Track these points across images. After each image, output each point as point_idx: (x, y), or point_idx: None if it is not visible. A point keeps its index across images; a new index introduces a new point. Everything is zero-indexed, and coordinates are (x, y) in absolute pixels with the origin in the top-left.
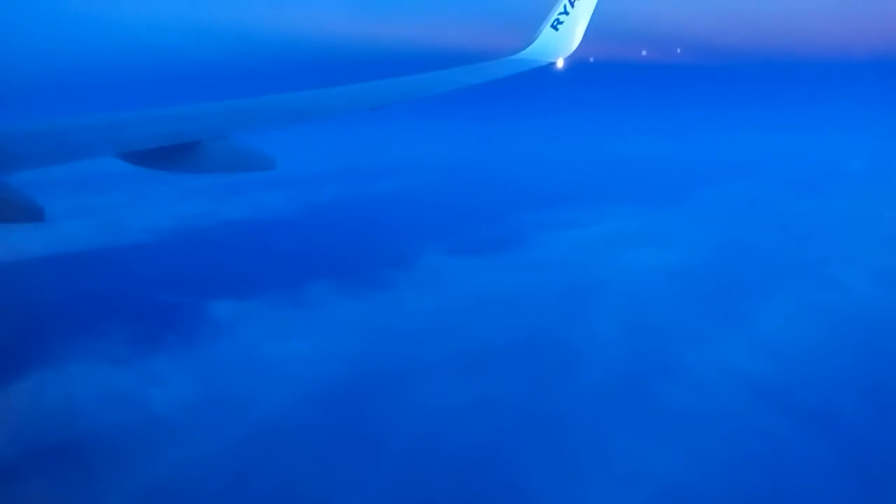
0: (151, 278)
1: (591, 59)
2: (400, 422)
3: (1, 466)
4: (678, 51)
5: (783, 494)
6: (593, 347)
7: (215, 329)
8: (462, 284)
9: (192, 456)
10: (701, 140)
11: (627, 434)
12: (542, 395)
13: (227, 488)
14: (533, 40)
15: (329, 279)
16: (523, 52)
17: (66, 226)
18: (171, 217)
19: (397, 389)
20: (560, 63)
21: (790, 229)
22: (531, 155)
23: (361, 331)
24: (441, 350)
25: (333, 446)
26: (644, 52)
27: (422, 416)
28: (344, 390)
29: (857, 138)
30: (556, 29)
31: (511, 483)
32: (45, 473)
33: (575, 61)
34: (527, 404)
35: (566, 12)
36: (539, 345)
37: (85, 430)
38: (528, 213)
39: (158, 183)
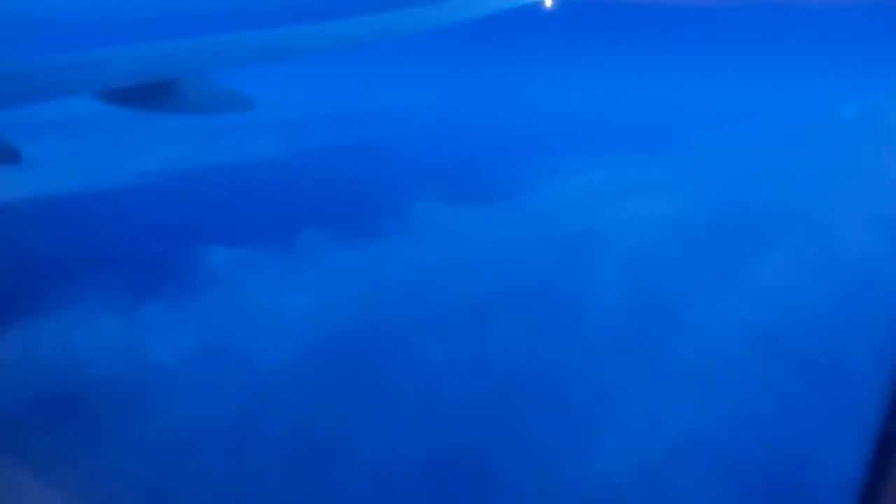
0: (140, 224)
1: None
2: (405, 374)
3: (1, 418)
4: None
5: (793, 444)
6: (595, 299)
7: (211, 277)
8: (457, 233)
9: (197, 406)
10: (695, 84)
11: (634, 387)
12: (546, 346)
13: (235, 438)
14: None
15: (320, 227)
16: None
17: (49, 168)
18: (153, 160)
19: (401, 341)
20: (548, 1)
21: (789, 177)
22: (523, 99)
23: (358, 281)
24: (439, 302)
25: (339, 397)
26: None
27: (427, 368)
28: (347, 341)
29: (856, 84)
30: None
31: (519, 436)
32: (48, 424)
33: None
34: (531, 356)
35: None
36: (538, 296)
37: (87, 380)
38: (523, 160)
39: (138, 125)
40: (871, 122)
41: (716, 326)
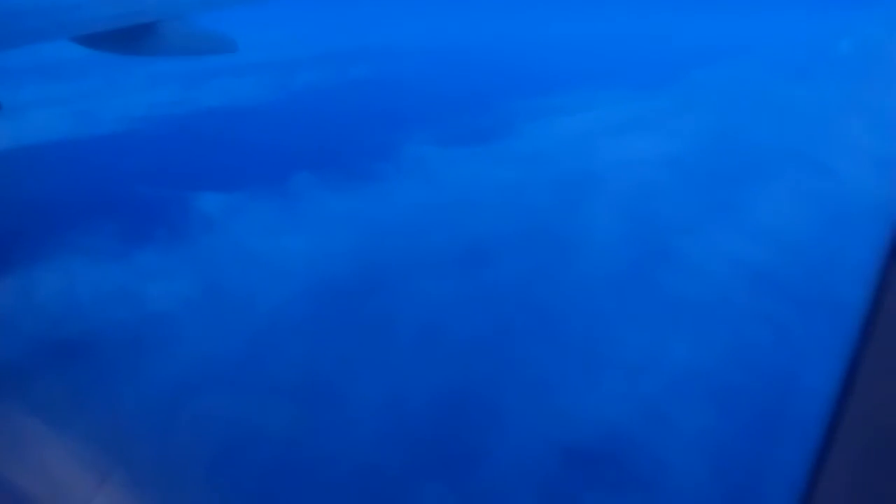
0: (131, 170)
1: None
2: (403, 313)
3: (3, 367)
4: None
5: (791, 378)
6: (590, 239)
7: (205, 222)
8: (451, 175)
9: (199, 352)
10: (688, 19)
11: (631, 323)
12: (542, 285)
13: (238, 382)
14: None
15: (312, 170)
16: None
17: (33, 116)
18: (139, 105)
19: (397, 282)
20: None
21: (783, 114)
22: (512, 36)
23: (353, 224)
24: (436, 243)
25: (339, 338)
26: None
27: (425, 308)
28: (344, 284)
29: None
30: None
31: (518, 370)
32: (51, 371)
33: None
34: (529, 295)
35: None
36: (535, 236)
37: (87, 327)
38: (514, 99)
39: (121, 69)
40: (869, 58)
41: (709, 262)
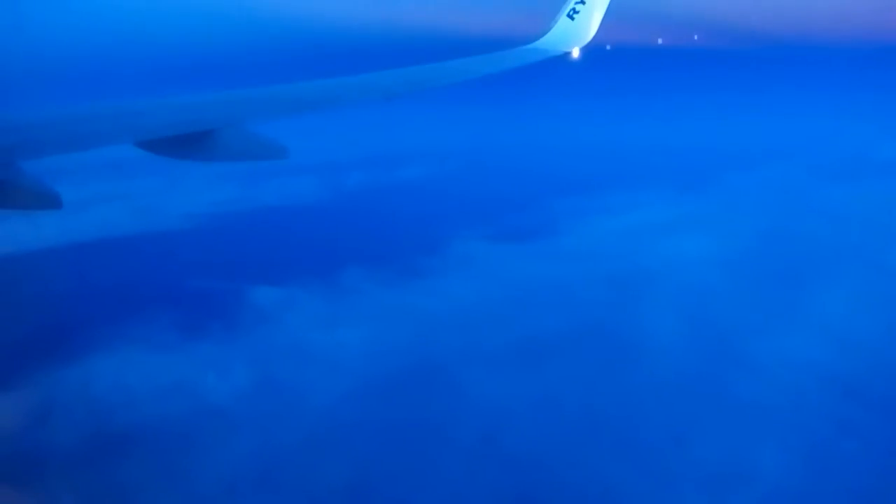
0: (188, 264)
1: (608, 47)
2: (459, 416)
3: (60, 455)
4: (695, 37)
5: (873, 486)
6: (651, 339)
7: (260, 316)
8: (501, 272)
9: (255, 449)
10: (722, 126)
11: (706, 430)
12: (605, 389)
13: (293, 483)
14: (549, 30)
15: (364, 266)
16: (539, 41)
17: (96, 211)
18: (199, 203)
19: (453, 381)
20: (576, 53)
21: (826, 216)
22: (552, 142)
23: (406, 319)
24: (493, 340)
25: (394, 441)
26: (660, 40)
27: (482, 411)
28: (399, 382)
29: (881, 124)
30: (573, 18)
31: (584, 485)
32: (107, 464)
33: (591, 49)
34: (591, 399)
35: (582, 2)
36: (594, 336)
37: (143, 420)
38: (557, 199)
39: (181, 170)
40: None
41: (779, 365)
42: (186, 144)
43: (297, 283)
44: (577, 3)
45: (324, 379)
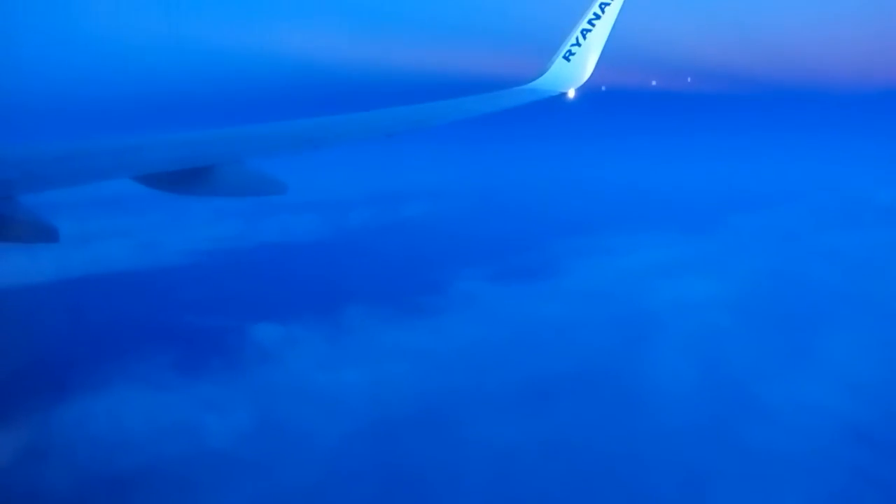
0: (188, 301)
1: (603, 88)
2: (468, 459)
3: (57, 498)
4: (688, 79)
5: None
6: (660, 382)
7: (261, 355)
8: (504, 312)
9: (257, 493)
10: (718, 169)
11: (718, 478)
12: (613, 434)
13: None
14: (545, 70)
15: (366, 304)
16: (535, 81)
17: (97, 246)
18: (200, 239)
19: (457, 424)
20: (571, 93)
21: (830, 259)
22: (550, 181)
23: (409, 359)
24: (497, 382)
25: (398, 484)
26: (654, 83)
27: (487, 455)
28: (403, 424)
29: (880, 169)
30: (568, 60)
31: None
32: None
33: (586, 90)
34: (599, 445)
35: (578, 44)
36: (601, 379)
37: (141, 462)
38: (558, 239)
39: (179, 207)
40: None
41: (793, 411)
42: (186, 180)
43: (298, 321)
44: (573, 44)
45: (326, 420)
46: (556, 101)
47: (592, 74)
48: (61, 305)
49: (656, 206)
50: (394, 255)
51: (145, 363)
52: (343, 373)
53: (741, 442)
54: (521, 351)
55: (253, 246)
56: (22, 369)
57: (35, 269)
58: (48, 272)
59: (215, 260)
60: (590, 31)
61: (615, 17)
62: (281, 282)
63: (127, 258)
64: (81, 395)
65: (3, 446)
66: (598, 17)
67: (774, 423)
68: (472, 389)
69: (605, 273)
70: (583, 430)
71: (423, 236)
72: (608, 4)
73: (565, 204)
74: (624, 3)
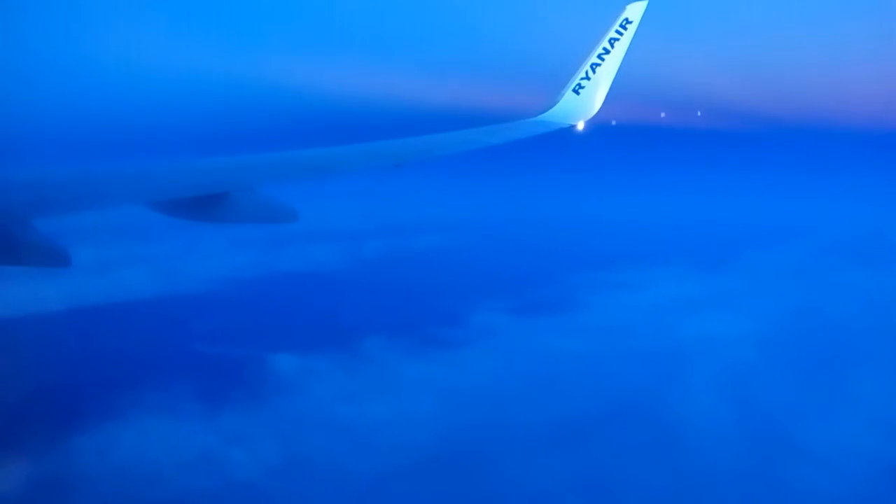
0: (207, 330)
1: (613, 122)
2: (487, 497)
3: None
4: (698, 114)
5: None
6: (692, 421)
7: (283, 385)
8: (524, 346)
9: None
10: (726, 204)
11: None
12: (647, 473)
13: None
14: (555, 103)
15: (385, 336)
16: (545, 114)
17: (114, 275)
18: (219, 268)
19: (481, 460)
20: (581, 126)
21: (848, 294)
22: (560, 214)
23: (432, 393)
24: (520, 417)
25: None
26: (663, 115)
27: (518, 494)
28: (430, 460)
29: (890, 206)
30: (578, 93)
31: None
32: None
33: (595, 124)
34: (626, 484)
35: (588, 77)
36: (630, 416)
37: (164, 495)
38: (575, 273)
39: (191, 235)
40: None
41: (832, 451)
42: (199, 206)
43: (319, 352)
44: (582, 78)
45: (351, 455)
46: (566, 133)
47: (601, 108)
48: (78, 334)
49: (669, 241)
50: (411, 286)
51: (165, 393)
52: (366, 406)
53: (781, 482)
54: (546, 386)
55: (269, 274)
56: (40, 400)
57: (51, 296)
58: (64, 299)
59: (231, 288)
60: (599, 65)
61: (625, 51)
62: (299, 311)
63: (145, 286)
64: (102, 425)
65: (22, 477)
66: (607, 51)
67: (812, 462)
68: (499, 426)
69: (625, 308)
70: (615, 469)
71: (439, 267)
72: (618, 39)
73: (578, 237)
74: (633, 38)
